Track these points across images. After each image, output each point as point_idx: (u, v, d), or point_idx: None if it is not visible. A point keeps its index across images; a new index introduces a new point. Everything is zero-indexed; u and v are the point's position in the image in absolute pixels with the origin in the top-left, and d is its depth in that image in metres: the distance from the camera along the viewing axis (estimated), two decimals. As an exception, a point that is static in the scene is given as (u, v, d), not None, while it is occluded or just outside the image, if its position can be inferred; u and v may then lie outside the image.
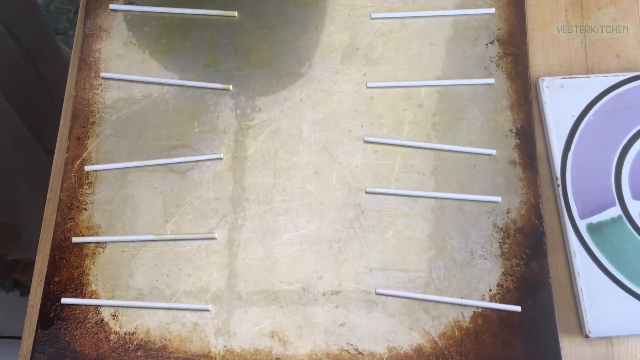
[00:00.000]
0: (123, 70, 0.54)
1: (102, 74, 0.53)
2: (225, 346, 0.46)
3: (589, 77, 0.52)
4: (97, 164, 0.51)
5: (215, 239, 0.49)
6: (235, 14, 0.55)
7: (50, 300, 0.47)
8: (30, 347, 0.47)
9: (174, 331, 0.46)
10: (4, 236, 0.64)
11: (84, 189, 0.50)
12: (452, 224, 0.49)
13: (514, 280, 0.47)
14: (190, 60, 0.54)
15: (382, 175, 0.50)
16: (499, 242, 0.48)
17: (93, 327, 0.47)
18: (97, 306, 0.47)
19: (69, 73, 0.55)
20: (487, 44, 0.53)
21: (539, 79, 0.52)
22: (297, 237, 0.49)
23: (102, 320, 0.47)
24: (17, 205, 0.65)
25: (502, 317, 0.46)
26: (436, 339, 0.46)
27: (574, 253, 0.47)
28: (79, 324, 0.47)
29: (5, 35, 0.65)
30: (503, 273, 0.47)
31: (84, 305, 0.47)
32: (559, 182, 0.50)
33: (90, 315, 0.47)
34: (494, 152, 0.50)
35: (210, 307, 0.47)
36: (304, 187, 0.50)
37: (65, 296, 0.47)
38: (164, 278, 0.48)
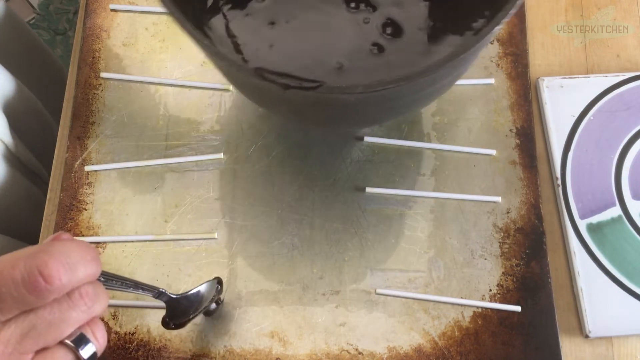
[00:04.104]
0: (123, 70, 0.54)
1: (102, 74, 0.53)
2: (225, 346, 0.46)
3: (589, 77, 0.52)
4: (97, 164, 0.51)
5: (215, 239, 0.49)
6: (235, 14, 0.55)
7: (50, 300, 0.47)
8: (30, 347, 0.47)
9: (174, 331, 0.46)
10: None
11: (84, 189, 0.50)
12: (452, 224, 0.49)
13: (514, 280, 0.47)
14: (190, 59, 0.54)
15: (382, 175, 0.50)
16: (499, 242, 0.48)
17: (93, 327, 0.47)
18: (97, 306, 0.47)
19: (69, 73, 0.55)
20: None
21: (539, 79, 0.52)
22: (297, 237, 0.49)
23: (102, 320, 0.47)
24: None
25: (502, 317, 0.46)
26: (436, 339, 0.46)
27: (574, 253, 0.47)
28: (79, 324, 0.47)
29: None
30: (503, 273, 0.47)
31: (84, 305, 0.47)
32: (559, 182, 0.50)
33: (90, 315, 0.47)
34: (494, 152, 0.50)
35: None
36: (303, 187, 0.50)
37: (65, 296, 0.47)
38: (164, 278, 0.48)
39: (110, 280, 0.33)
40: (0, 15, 0.61)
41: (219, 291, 0.44)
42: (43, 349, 0.27)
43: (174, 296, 0.39)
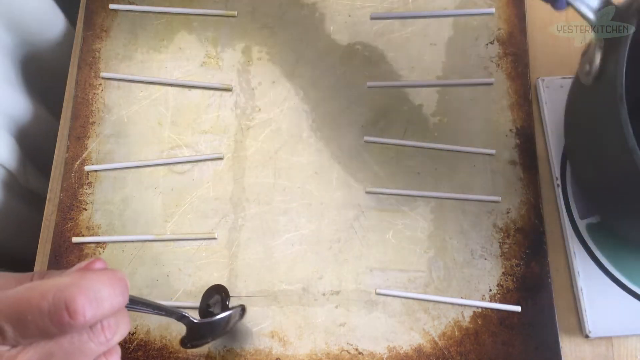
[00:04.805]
0: (123, 70, 0.54)
1: (102, 74, 0.53)
2: (225, 346, 0.46)
3: (589, 77, 0.52)
4: (97, 164, 0.51)
5: (215, 239, 0.49)
6: (236, 13, 0.55)
7: (50, 300, 0.47)
8: (30, 347, 0.46)
9: (174, 331, 0.46)
10: None
11: (84, 189, 0.50)
12: (452, 224, 0.49)
13: (514, 280, 0.47)
14: (190, 60, 0.54)
15: (382, 175, 0.50)
16: (499, 242, 0.48)
17: (93, 327, 0.47)
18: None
19: (69, 73, 0.55)
20: (487, 44, 0.53)
21: (538, 79, 0.52)
22: (297, 237, 0.49)
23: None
24: None
25: (502, 317, 0.46)
26: (436, 339, 0.46)
27: (574, 253, 0.47)
28: (79, 324, 0.47)
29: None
30: (503, 273, 0.47)
31: (84, 305, 0.47)
32: (559, 182, 0.50)
33: (90, 315, 0.47)
34: (494, 152, 0.50)
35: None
36: (304, 187, 0.50)
37: (65, 296, 0.47)
38: (164, 278, 0.48)
39: (135, 303, 0.32)
40: (62, 39, 0.59)
41: (242, 316, 0.43)
42: None
43: (195, 321, 0.39)
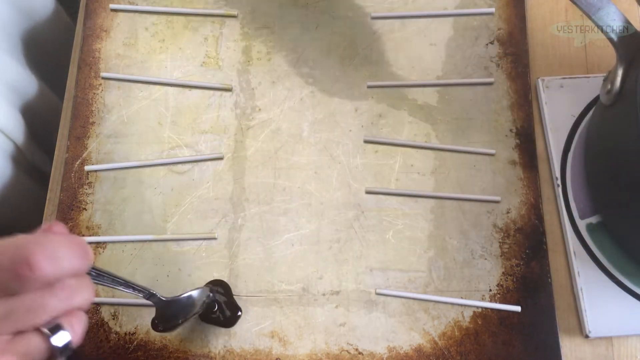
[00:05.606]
0: (123, 70, 0.54)
1: (102, 74, 0.53)
2: (225, 346, 0.46)
3: (588, 77, 0.52)
4: (97, 164, 0.51)
5: (215, 239, 0.49)
6: (236, 13, 0.55)
7: (50, 300, 0.47)
8: (30, 347, 0.46)
9: (175, 331, 0.46)
10: None
11: (84, 189, 0.50)
12: (452, 224, 0.49)
13: (514, 280, 0.47)
14: (190, 59, 0.54)
15: (382, 175, 0.50)
16: (499, 242, 0.48)
17: (93, 327, 0.47)
18: (97, 306, 0.47)
19: (69, 73, 0.55)
20: (487, 44, 0.53)
21: (539, 79, 0.52)
22: (297, 237, 0.49)
23: (102, 320, 0.47)
24: None
25: (502, 317, 0.46)
26: (436, 339, 0.46)
27: (574, 253, 0.47)
28: (79, 324, 0.47)
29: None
30: (503, 273, 0.47)
31: (84, 305, 0.47)
32: (559, 182, 0.50)
33: (90, 315, 0.47)
34: (493, 152, 0.50)
35: (210, 307, 0.47)
36: (304, 187, 0.50)
37: (65, 296, 0.47)
38: (164, 278, 0.48)
39: (101, 276, 0.33)
40: (52, 15, 0.60)
41: (210, 298, 0.43)
42: (19, 333, 0.28)
43: (164, 299, 0.39)
